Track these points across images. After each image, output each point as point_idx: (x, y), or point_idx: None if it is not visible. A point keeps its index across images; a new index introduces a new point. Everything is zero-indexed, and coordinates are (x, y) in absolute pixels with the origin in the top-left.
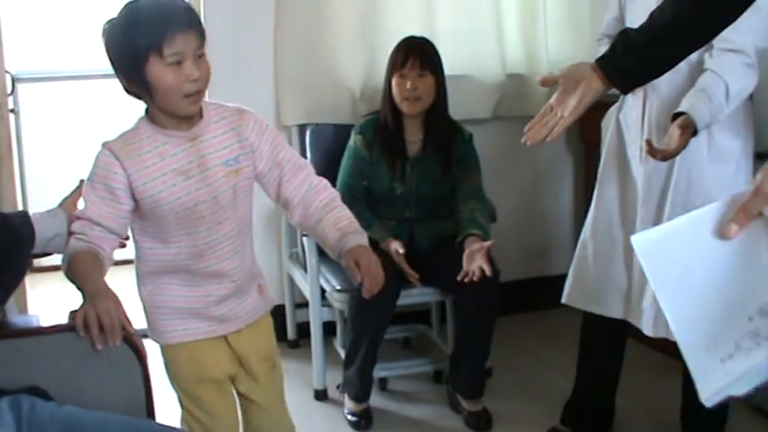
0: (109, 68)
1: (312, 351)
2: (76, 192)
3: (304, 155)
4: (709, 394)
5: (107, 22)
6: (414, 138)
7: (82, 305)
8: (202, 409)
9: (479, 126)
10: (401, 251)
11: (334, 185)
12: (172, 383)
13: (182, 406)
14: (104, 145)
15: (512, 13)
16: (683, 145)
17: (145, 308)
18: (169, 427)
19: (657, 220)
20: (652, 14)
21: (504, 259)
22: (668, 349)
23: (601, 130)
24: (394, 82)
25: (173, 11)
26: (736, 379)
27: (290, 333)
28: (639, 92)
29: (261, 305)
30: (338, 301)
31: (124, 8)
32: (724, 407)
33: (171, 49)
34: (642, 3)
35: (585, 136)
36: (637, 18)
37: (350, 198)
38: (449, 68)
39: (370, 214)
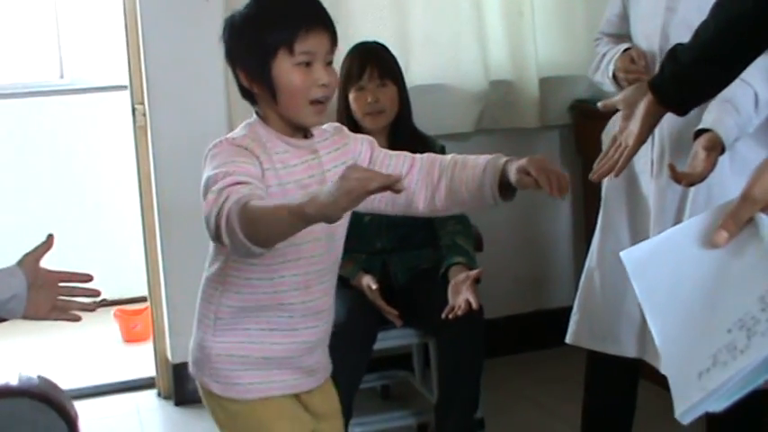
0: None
1: None
2: (43, 246)
3: None
4: (683, 410)
5: (231, 15)
6: None
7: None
8: None
9: (461, 141)
10: (374, 287)
11: None
12: None
13: None
14: (221, 141)
15: (494, 12)
16: (710, 167)
17: (209, 357)
18: None
19: None
20: (697, 30)
21: (495, 292)
22: None
23: (600, 142)
24: (352, 96)
25: (309, 6)
26: (710, 394)
27: None
28: None
29: (329, 363)
30: None
31: (253, 1)
32: None
33: (303, 46)
34: None
35: (583, 149)
36: (642, 13)
37: None
38: (423, 77)
39: None
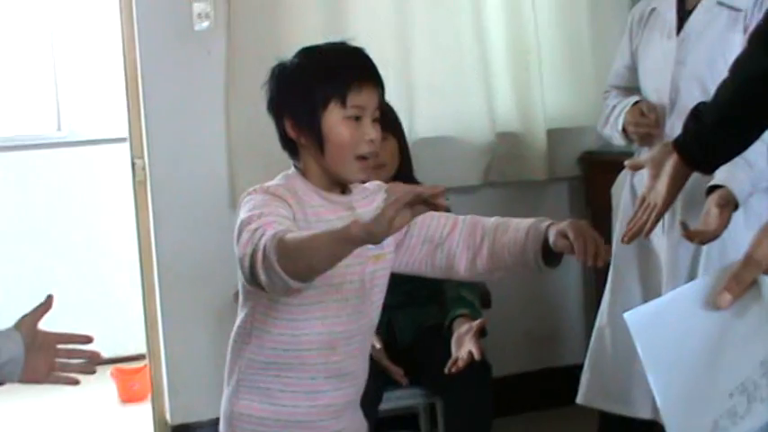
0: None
1: None
2: (41, 308)
3: None
4: None
5: (279, 64)
6: None
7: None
8: None
9: (467, 195)
10: (378, 346)
11: None
12: None
13: None
14: (255, 189)
15: (500, 62)
16: (723, 224)
17: (232, 414)
18: None
19: None
20: (718, 90)
21: (504, 349)
22: None
23: (610, 195)
24: None
25: (362, 61)
26: None
27: None
28: None
29: (361, 428)
30: None
31: (304, 51)
32: None
33: (355, 100)
34: (658, 48)
35: (593, 201)
36: (650, 67)
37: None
38: (429, 129)
39: None
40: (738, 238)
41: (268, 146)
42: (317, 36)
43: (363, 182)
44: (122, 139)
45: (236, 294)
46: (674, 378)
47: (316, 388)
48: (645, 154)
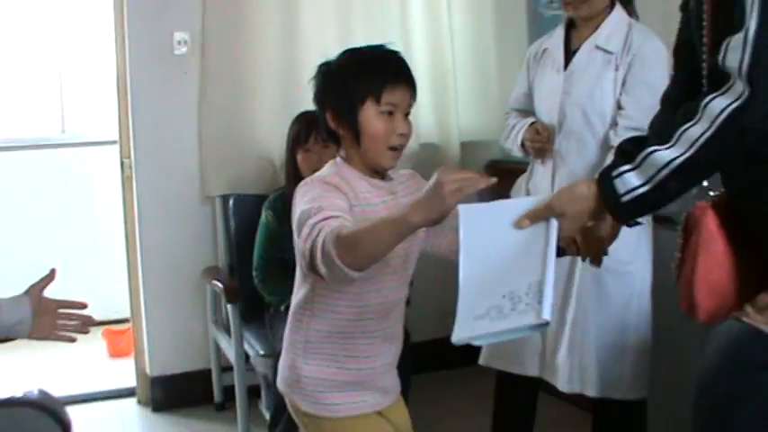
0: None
1: (237, 414)
2: (46, 278)
3: (227, 225)
4: (457, 338)
5: (324, 63)
6: None
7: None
8: None
9: None
10: None
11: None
12: None
13: None
14: (312, 179)
15: (424, 84)
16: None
17: (300, 378)
18: None
19: (569, 283)
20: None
21: (422, 319)
22: (579, 403)
23: (510, 194)
24: (300, 157)
25: (397, 64)
26: (476, 336)
27: (216, 396)
28: (549, 162)
29: (398, 378)
30: (262, 365)
31: (348, 52)
32: None
33: (389, 98)
34: (549, 80)
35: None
36: (543, 95)
37: (266, 270)
38: None
39: (287, 284)
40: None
41: (233, 151)
42: (275, 63)
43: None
44: (115, 142)
45: (205, 271)
46: (475, 266)
47: (374, 351)
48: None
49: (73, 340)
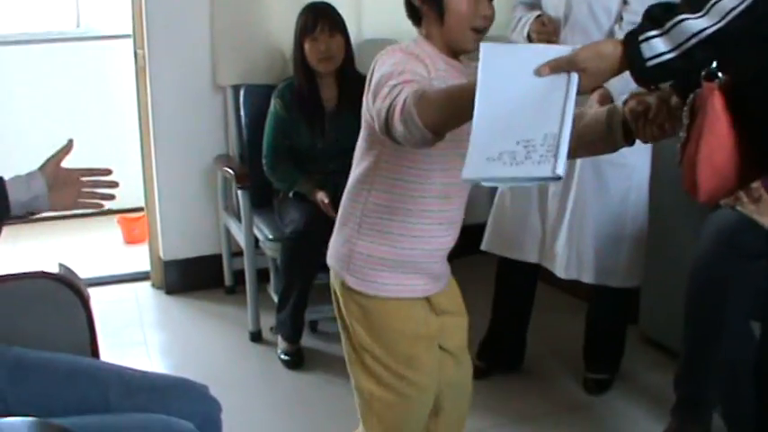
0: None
1: (247, 296)
2: (62, 150)
3: (238, 114)
4: (467, 176)
5: None
6: (329, 95)
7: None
8: (413, 367)
9: None
10: (326, 200)
11: None
12: (373, 342)
13: (380, 365)
14: (391, 49)
15: None
16: None
17: (352, 253)
18: (109, 363)
19: (570, 173)
20: None
21: None
22: (575, 292)
23: None
24: (307, 46)
25: None
26: (486, 177)
27: (227, 280)
28: None
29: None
30: (271, 249)
31: None
32: (620, 345)
33: None
34: None
35: None
36: None
37: (275, 158)
38: (373, 32)
39: (295, 170)
40: None
41: (245, 41)
42: None
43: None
44: (129, 36)
45: (216, 158)
46: (491, 106)
47: (430, 233)
48: None
49: (100, 206)
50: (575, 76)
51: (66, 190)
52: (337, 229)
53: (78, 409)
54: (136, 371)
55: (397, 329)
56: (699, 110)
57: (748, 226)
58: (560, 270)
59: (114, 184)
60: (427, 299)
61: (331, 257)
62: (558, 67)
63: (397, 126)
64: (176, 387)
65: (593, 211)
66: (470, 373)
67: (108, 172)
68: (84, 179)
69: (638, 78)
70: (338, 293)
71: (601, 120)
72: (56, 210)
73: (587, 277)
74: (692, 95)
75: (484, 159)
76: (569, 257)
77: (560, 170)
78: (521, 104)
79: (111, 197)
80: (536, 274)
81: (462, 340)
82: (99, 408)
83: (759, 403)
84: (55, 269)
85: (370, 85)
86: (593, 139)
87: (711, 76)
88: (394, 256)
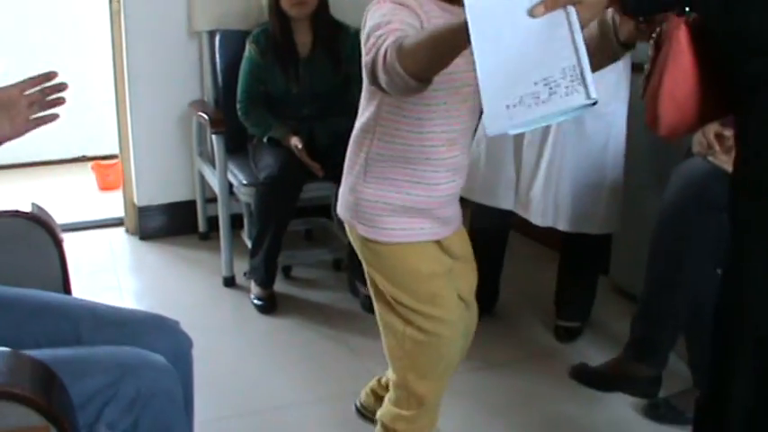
0: None
1: (221, 242)
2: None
3: (213, 60)
4: (492, 130)
5: None
6: (303, 40)
7: None
8: (438, 304)
9: None
10: (300, 146)
11: None
12: (394, 287)
13: (406, 309)
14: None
15: None
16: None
17: (359, 201)
18: (81, 299)
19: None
20: None
21: None
22: (547, 242)
23: None
24: None
25: None
26: (515, 124)
27: (201, 226)
28: None
29: (460, 210)
30: (245, 194)
31: None
32: (591, 294)
33: None
34: None
35: None
36: None
37: (249, 103)
38: None
39: (269, 116)
40: None
41: None
42: None
43: None
44: None
45: (191, 104)
46: (493, 56)
47: (436, 180)
48: None
49: (55, 118)
50: (572, 10)
51: (12, 114)
52: (344, 179)
53: (49, 342)
54: (107, 306)
55: (413, 270)
56: (664, 42)
57: (718, 177)
58: (536, 217)
59: (63, 87)
60: (438, 242)
61: (340, 207)
62: (555, 4)
63: (382, 76)
64: (147, 322)
65: (572, 159)
66: (476, 317)
67: (53, 75)
68: (28, 93)
69: (625, 6)
70: (351, 239)
71: (594, 33)
72: (7, 139)
73: (563, 225)
74: (658, 29)
75: (504, 108)
76: (546, 205)
77: (594, 93)
78: (524, 48)
79: (62, 102)
80: (509, 220)
81: (471, 286)
82: (70, 341)
83: (713, 346)
84: (28, 209)
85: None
86: (593, 53)
87: (681, 12)
88: (399, 201)
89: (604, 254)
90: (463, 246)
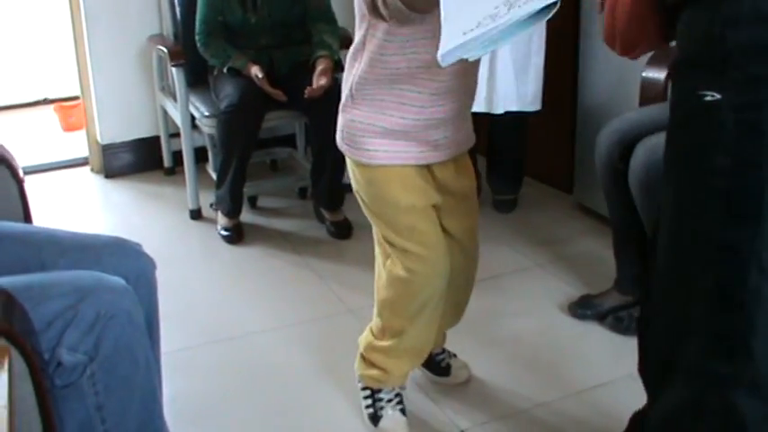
0: None
1: (186, 175)
2: None
3: None
4: (445, 52)
5: None
6: None
7: None
8: (415, 240)
9: None
10: (261, 75)
11: None
12: (376, 217)
13: (386, 242)
14: None
15: None
16: None
17: (346, 122)
18: (41, 227)
19: None
20: None
21: None
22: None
23: None
24: None
25: None
26: (469, 41)
27: (166, 161)
28: None
29: (468, 139)
30: (207, 126)
31: None
32: (521, 167)
33: None
34: None
35: None
36: None
37: (207, 35)
38: None
39: (228, 46)
40: None
41: None
42: None
43: None
44: None
45: (150, 38)
46: None
47: (421, 102)
48: None
49: None
50: None
51: None
52: (340, 107)
53: (11, 270)
54: (68, 231)
55: (392, 200)
56: None
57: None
58: (478, 106)
59: None
60: (431, 173)
61: (338, 138)
62: None
63: (383, 10)
64: (109, 245)
65: (506, 48)
66: (475, 262)
67: None
68: None
69: None
70: (347, 162)
71: None
72: None
73: (498, 109)
74: None
75: (460, 35)
76: (489, 93)
77: None
78: None
79: None
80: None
81: (467, 225)
82: (33, 269)
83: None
84: None
85: None
86: None
87: None
88: (385, 123)
89: (567, 175)
90: (461, 181)
